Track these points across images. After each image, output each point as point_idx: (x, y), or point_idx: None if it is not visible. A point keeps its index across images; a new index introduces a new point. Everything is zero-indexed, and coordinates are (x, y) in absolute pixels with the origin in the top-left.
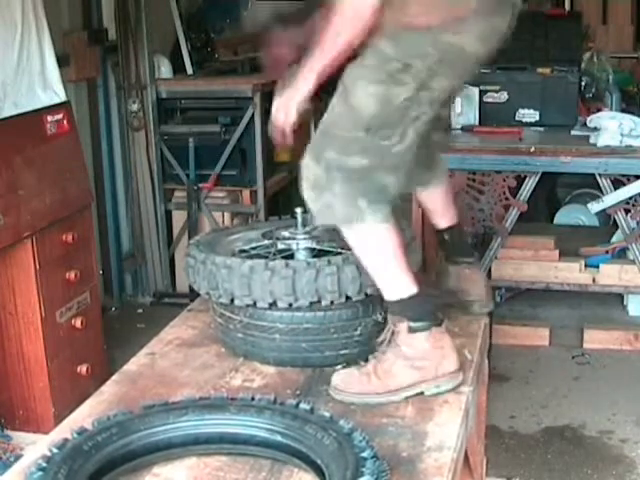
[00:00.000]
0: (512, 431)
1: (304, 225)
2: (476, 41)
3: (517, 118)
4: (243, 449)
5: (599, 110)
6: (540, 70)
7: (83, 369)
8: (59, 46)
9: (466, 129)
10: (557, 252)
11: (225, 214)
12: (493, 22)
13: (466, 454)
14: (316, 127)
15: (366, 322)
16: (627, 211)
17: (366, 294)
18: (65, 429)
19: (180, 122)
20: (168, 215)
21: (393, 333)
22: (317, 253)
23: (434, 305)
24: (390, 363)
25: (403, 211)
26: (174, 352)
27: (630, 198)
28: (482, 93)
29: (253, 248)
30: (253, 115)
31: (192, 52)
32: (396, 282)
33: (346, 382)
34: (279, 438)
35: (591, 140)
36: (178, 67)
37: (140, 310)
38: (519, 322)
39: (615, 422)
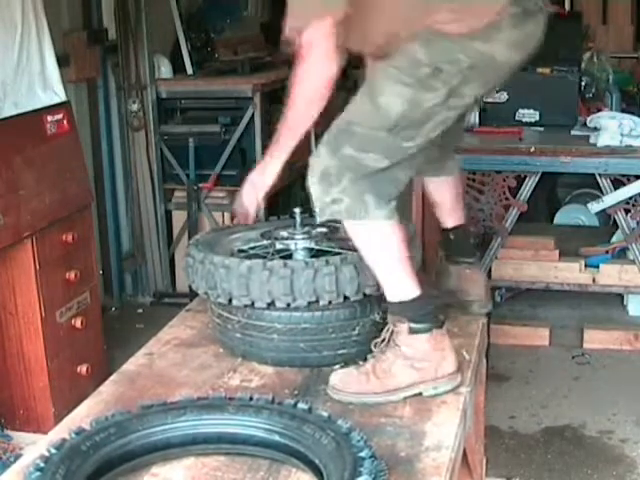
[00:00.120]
0: (512, 431)
1: (303, 225)
2: (507, 49)
3: (517, 118)
4: (241, 449)
5: (599, 110)
6: (540, 70)
7: (83, 369)
8: (59, 46)
9: (466, 129)
10: (557, 252)
11: (225, 214)
12: (525, 29)
13: (465, 454)
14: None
15: (364, 322)
16: (627, 211)
17: (364, 294)
18: (63, 429)
19: (180, 122)
20: (168, 215)
21: (392, 333)
22: (315, 253)
23: (435, 306)
24: (389, 363)
25: (403, 210)
26: (172, 352)
27: (630, 198)
28: None
29: (252, 248)
30: (253, 115)
31: (192, 52)
32: (399, 283)
33: (344, 382)
34: (277, 438)
35: (591, 140)
36: (178, 67)
37: (140, 310)
38: (519, 322)
39: (615, 422)
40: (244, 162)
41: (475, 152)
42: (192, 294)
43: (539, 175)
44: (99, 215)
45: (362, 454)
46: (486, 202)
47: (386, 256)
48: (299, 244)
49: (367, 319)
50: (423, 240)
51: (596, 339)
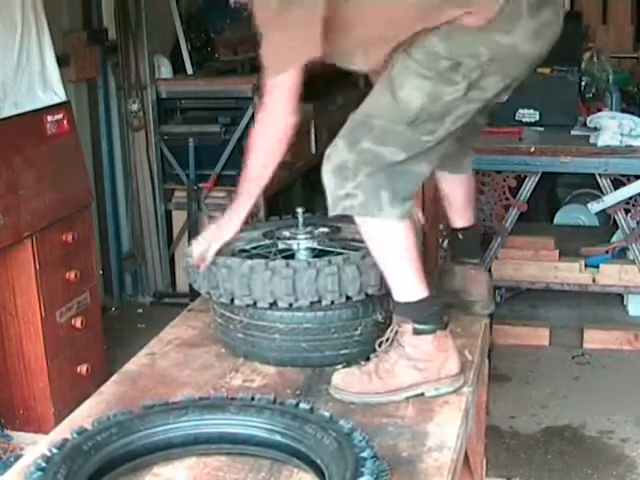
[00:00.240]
0: (512, 431)
1: (305, 225)
2: (528, 41)
3: (517, 118)
4: (243, 449)
5: (599, 110)
6: (540, 70)
7: (83, 369)
8: (59, 46)
9: None
10: (557, 252)
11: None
12: (541, 18)
13: (466, 454)
14: (316, 128)
15: (366, 322)
16: (627, 211)
17: (366, 294)
18: (65, 429)
19: (180, 122)
20: (168, 215)
21: (397, 333)
22: (318, 253)
23: (440, 308)
24: (392, 362)
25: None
26: (174, 352)
27: (630, 198)
28: None
29: (254, 248)
30: (253, 115)
31: (192, 52)
32: (407, 284)
33: (346, 381)
34: (279, 438)
35: (591, 140)
36: (178, 67)
37: (140, 310)
38: (519, 322)
39: (615, 422)
40: (244, 162)
41: (475, 152)
42: (192, 294)
43: (539, 175)
44: (99, 215)
45: (364, 454)
46: (486, 202)
47: (396, 256)
48: (301, 244)
49: (369, 319)
50: (423, 240)
51: (596, 339)
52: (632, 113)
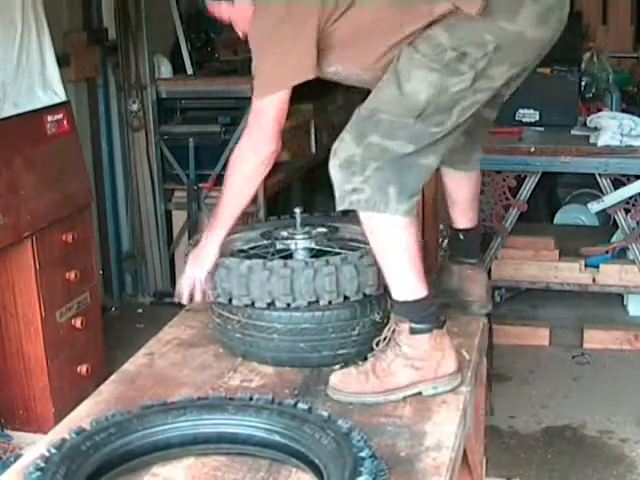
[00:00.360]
0: (512, 431)
1: (303, 225)
2: (533, 26)
3: (517, 118)
4: (241, 449)
5: (599, 110)
6: (540, 70)
7: (83, 369)
8: (59, 46)
9: None
10: (557, 252)
11: None
12: (545, 2)
13: (465, 453)
14: (316, 128)
15: (364, 322)
16: (627, 211)
17: (364, 294)
18: (63, 429)
19: (180, 122)
20: (168, 215)
21: (394, 332)
22: (316, 253)
23: (438, 308)
24: (389, 362)
25: None
26: (172, 352)
27: (630, 198)
28: None
29: (252, 248)
30: None
31: (192, 52)
32: (407, 283)
33: (344, 381)
34: (277, 438)
35: (591, 140)
36: (178, 67)
37: (140, 310)
38: (519, 322)
39: (615, 422)
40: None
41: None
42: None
43: (539, 175)
44: (99, 215)
45: (362, 454)
46: (486, 202)
47: (397, 254)
48: (299, 244)
49: (367, 319)
50: (423, 240)
51: (596, 339)
52: (632, 113)
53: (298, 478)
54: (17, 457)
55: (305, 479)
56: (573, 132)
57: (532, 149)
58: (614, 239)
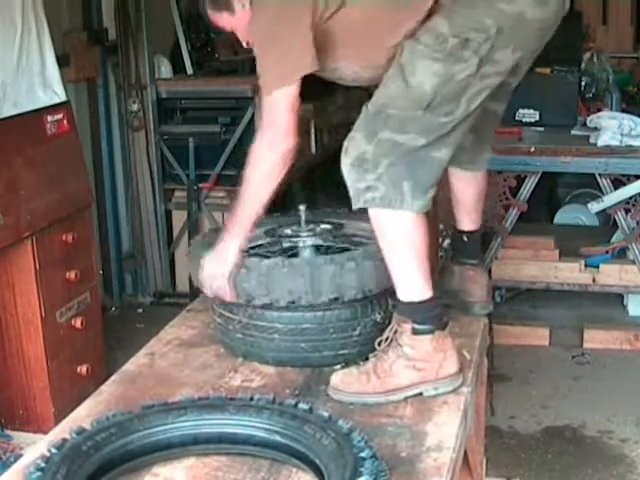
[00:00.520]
0: (512, 431)
1: (307, 222)
2: (533, 6)
3: (517, 118)
4: (242, 449)
5: (599, 110)
6: (540, 70)
7: (83, 369)
8: (59, 46)
9: None
10: (557, 252)
11: (225, 214)
12: None
13: (465, 454)
14: (316, 128)
15: (365, 322)
16: (627, 211)
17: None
18: (64, 429)
19: (180, 122)
20: (168, 215)
21: (396, 332)
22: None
23: (442, 309)
24: (391, 362)
25: None
26: (173, 352)
27: (630, 198)
28: None
29: (252, 247)
30: (253, 115)
31: (192, 52)
32: (414, 284)
33: (345, 382)
34: (278, 438)
35: (591, 140)
36: (178, 67)
37: (140, 310)
38: (519, 322)
39: (615, 422)
40: (244, 162)
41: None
42: (192, 294)
43: (539, 175)
44: (99, 215)
45: (363, 454)
46: (486, 202)
47: (406, 253)
48: (305, 242)
49: (368, 319)
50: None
51: (596, 339)
52: (632, 113)
53: (299, 478)
54: (17, 457)
55: (305, 479)
56: (573, 132)
57: (532, 149)
58: (614, 239)
